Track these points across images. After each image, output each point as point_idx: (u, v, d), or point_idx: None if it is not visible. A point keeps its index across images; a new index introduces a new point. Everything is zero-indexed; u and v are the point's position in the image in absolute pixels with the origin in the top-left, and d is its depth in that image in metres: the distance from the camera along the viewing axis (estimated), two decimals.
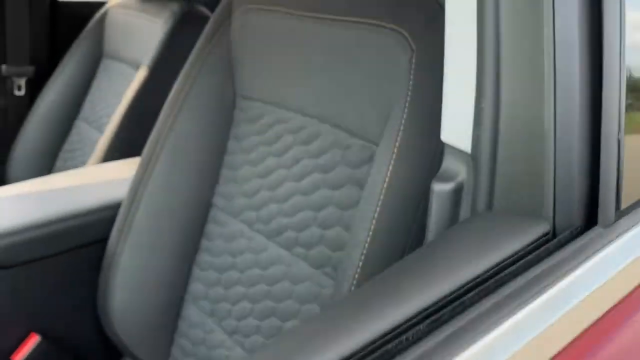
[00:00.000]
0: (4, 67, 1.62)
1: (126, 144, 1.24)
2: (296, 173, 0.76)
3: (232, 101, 0.89)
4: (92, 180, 1.03)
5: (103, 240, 0.94)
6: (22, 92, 1.66)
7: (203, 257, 0.89)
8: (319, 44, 0.75)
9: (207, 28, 0.88)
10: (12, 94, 1.65)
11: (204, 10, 1.33)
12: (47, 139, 1.55)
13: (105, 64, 1.55)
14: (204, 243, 0.90)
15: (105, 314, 0.91)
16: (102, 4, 1.62)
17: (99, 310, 0.92)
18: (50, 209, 0.93)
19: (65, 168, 1.50)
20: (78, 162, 1.46)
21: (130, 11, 1.47)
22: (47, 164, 1.56)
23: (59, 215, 0.92)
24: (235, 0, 0.87)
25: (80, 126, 1.53)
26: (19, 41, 1.62)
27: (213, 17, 0.88)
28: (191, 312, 0.90)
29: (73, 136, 1.54)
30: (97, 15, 1.58)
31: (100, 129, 1.42)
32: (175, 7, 1.32)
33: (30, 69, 1.66)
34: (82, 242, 0.95)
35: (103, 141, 1.27)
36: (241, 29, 0.86)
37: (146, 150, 0.91)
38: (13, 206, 0.93)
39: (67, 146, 1.54)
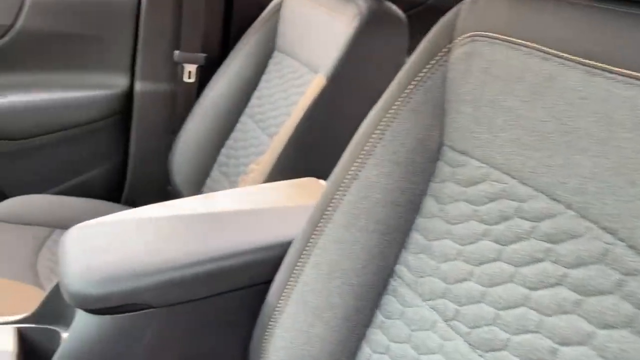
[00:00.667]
0: (176, 53, 1.58)
1: (295, 160, 1.12)
2: (528, 276, 0.55)
3: (437, 151, 0.69)
4: (262, 210, 0.90)
5: (263, 283, 0.83)
6: (191, 80, 1.61)
7: (376, 336, 0.73)
8: (592, 104, 0.52)
9: (418, 53, 0.69)
10: (182, 80, 1.61)
11: (396, 11, 1.13)
12: (212, 128, 1.48)
13: (278, 58, 1.43)
14: (379, 319, 0.73)
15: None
16: None
17: (251, 356, 0.81)
18: (213, 245, 0.82)
19: (227, 164, 1.43)
20: (240, 162, 1.39)
21: (308, 3, 1.32)
22: (210, 154, 1.50)
23: (222, 253, 0.81)
24: (461, 20, 0.66)
25: (246, 122, 1.44)
26: (194, 28, 1.56)
27: (427, 40, 0.69)
28: None
29: (237, 132, 1.46)
30: (272, 5, 1.46)
31: (266, 131, 1.31)
32: (362, 3, 1.14)
33: (201, 57, 1.60)
34: (241, 285, 0.83)
35: (270, 154, 1.15)
36: (463, 61, 0.65)
37: (326, 191, 0.76)
38: (173, 238, 0.84)
39: (230, 142, 1.47)
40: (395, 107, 0.70)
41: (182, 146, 1.53)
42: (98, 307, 0.78)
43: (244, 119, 1.46)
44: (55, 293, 0.90)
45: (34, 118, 1.55)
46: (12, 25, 1.48)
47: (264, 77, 1.44)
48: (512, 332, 0.56)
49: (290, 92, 1.27)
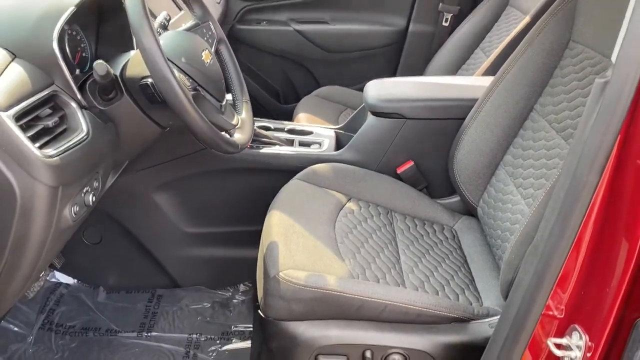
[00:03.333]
0: (441, 5, 2.34)
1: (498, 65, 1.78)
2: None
3: (565, 44, 1.31)
4: (466, 84, 1.62)
5: (461, 119, 1.53)
6: (446, 24, 2.36)
7: (517, 140, 1.39)
8: None
9: None
10: (441, 24, 2.36)
11: None
12: (452, 58, 2.20)
13: (508, 11, 2.08)
14: (520, 131, 1.39)
15: (452, 159, 1.51)
16: None
17: (449, 158, 1.53)
18: (439, 94, 1.58)
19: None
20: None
21: None
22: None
23: (448, 97, 1.57)
24: None
25: (477, 53, 2.13)
26: None
27: None
28: (500, 171, 1.42)
29: (470, 59, 2.16)
30: None
31: (487, 55, 1.99)
32: None
33: (456, 8, 2.33)
34: (450, 117, 1.56)
35: (484, 65, 1.84)
36: None
37: (502, 69, 1.43)
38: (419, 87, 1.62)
39: (465, 66, 2.17)
40: (546, 18, 1.34)
41: (430, 69, 2.26)
42: (378, 111, 1.59)
43: (477, 50, 2.14)
44: None
45: (344, 40, 2.48)
46: None
47: (496, 24, 2.10)
48: (573, 117, 1.18)
49: (509, 30, 1.91)
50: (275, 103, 2.63)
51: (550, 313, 0.88)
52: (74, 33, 1.23)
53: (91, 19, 1.30)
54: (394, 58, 2.50)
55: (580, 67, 1.24)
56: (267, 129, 1.77)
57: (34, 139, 0.90)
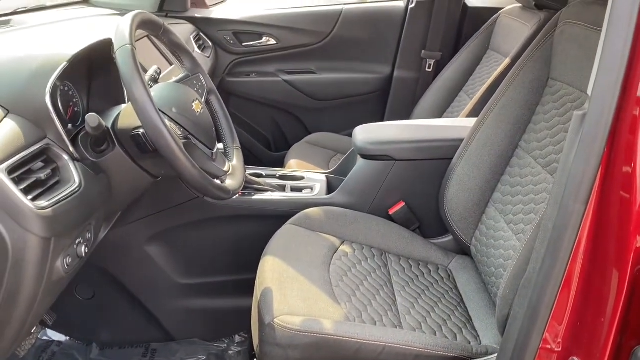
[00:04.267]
0: (423, 52, 2.42)
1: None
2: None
3: (545, 82, 1.36)
4: (452, 125, 1.66)
5: (448, 159, 1.56)
6: (430, 70, 2.42)
7: (505, 177, 1.42)
8: None
9: (542, 33, 1.37)
10: (424, 70, 2.43)
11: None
12: (437, 101, 2.26)
13: (489, 55, 2.15)
14: (507, 169, 1.42)
15: (442, 199, 1.52)
16: (500, 9, 2.22)
17: (439, 197, 1.55)
18: (426, 135, 1.61)
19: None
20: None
21: (513, 17, 2.02)
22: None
23: (430, 138, 1.60)
24: (562, 16, 1.33)
25: (461, 95, 2.19)
26: (436, 33, 2.38)
27: (547, 26, 1.36)
28: (490, 209, 1.44)
29: (455, 102, 2.21)
30: (493, 17, 2.19)
31: (470, 97, 2.04)
32: (542, 15, 1.81)
33: (438, 54, 2.41)
34: (440, 157, 1.58)
35: (468, 106, 1.88)
36: (561, 35, 1.31)
37: (485, 108, 1.47)
38: (407, 131, 1.65)
39: (449, 109, 2.23)
40: (525, 60, 1.39)
41: (417, 112, 2.31)
42: (367, 154, 1.61)
43: (460, 93, 2.20)
44: None
45: (332, 88, 2.54)
46: (330, 33, 2.49)
47: (478, 68, 2.17)
48: (557, 152, 1.21)
49: (490, 73, 1.97)
50: (266, 151, 2.66)
51: (548, 346, 0.88)
52: (66, 88, 1.25)
53: (83, 74, 1.33)
54: (381, 103, 2.55)
55: (561, 103, 1.28)
56: (259, 176, 1.78)
57: (26, 191, 0.91)
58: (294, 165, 2.06)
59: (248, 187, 1.68)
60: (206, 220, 1.64)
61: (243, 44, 2.49)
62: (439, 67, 2.37)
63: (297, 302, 1.19)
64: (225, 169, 1.25)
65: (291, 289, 1.23)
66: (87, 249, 1.04)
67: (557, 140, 1.25)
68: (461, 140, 1.52)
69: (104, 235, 1.38)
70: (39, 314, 1.03)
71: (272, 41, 2.48)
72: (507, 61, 1.82)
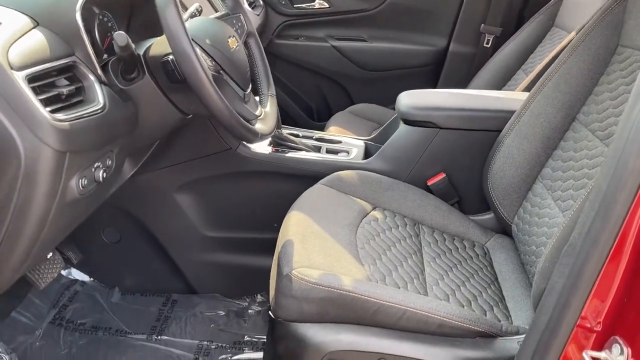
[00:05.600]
0: (482, 26, 2.29)
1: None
2: None
3: (613, 49, 1.23)
4: (504, 97, 1.55)
5: (497, 131, 1.45)
6: (488, 45, 2.29)
7: (557, 152, 1.30)
8: None
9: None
10: (481, 45, 2.30)
11: None
12: (493, 78, 2.13)
13: (552, 32, 2.00)
14: (561, 143, 1.30)
15: (487, 173, 1.42)
16: None
17: (484, 171, 1.44)
18: (475, 104, 1.50)
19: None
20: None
21: None
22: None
23: (480, 107, 1.49)
24: None
25: (519, 74, 2.05)
26: (498, 7, 2.25)
27: None
28: (537, 185, 1.33)
29: (512, 80, 2.08)
30: None
31: (529, 75, 1.91)
32: None
33: (498, 30, 2.27)
34: (486, 128, 1.48)
35: (525, 82, 1.76)
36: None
37: (543, 77, 1.35)
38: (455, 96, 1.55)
39: (505, 87, 2.10)
40: (589, 29, 1.26)
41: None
42: (410, 119, 1.52)
43: (519, 72, 2.06)
44: None
45: (382, 58, 2.44)
46: None
47: (539, 46, 2.03)
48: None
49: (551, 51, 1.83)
50: (307, 119, 2.60)
51: (587, 324, 0.78)
52: (105, 19, 1.22)
53: (124, 9, 1.30)
54: (433, 78, 2.44)
55: (629, 71, 1.15)
56: (296, 136, 1.72)
57: (45, 103, 0.87)
58: (333, 131, 1.98)
59: (282, 144, 1.62)
60: (237, 173, 1.60)
61: (294, 6, 2.43)
62: (498, 43, 2.23)
63: (318, 256, 1.12)
64: (257, 112, 1.20)
65: (313, 244, 1.16)
66: (105, 174, 1.01)
67: (620, 111, 1.13)
68: (512, 112, 1.41)
69: (130, 175, 1.35)
70: (53, 237, 1.01)
71: (325, 4, 2.40)
72: (572, 34, 1.68)
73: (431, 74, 2.44)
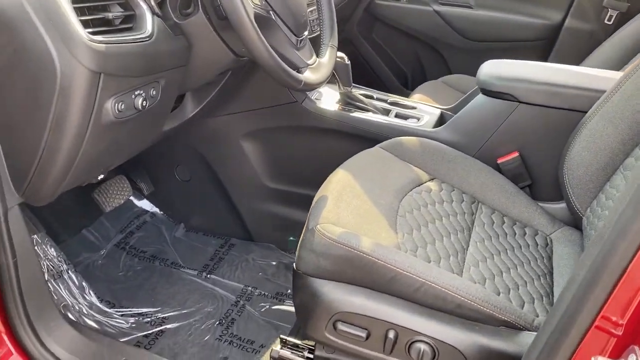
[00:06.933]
0: (606, 0, 2.03)
1: None
2: None
3: None
4: (597, 75, 1.36)
5: (583, 111, 1.28)
6: (609, 23, 2.03)
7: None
8: None
9: None
10: (602, 21, 2.05)
11: None
12: (610, 59, 1.87)
13: None
14: None
15: (564, 156, 1.26)
16: None
17: (562, 154, 1.29)
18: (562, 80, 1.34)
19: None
20: None
21: None
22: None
23: (567, 84, 1.33)
24: None
25: None
26: None
27: None
28: (617, 176, 1.16)
29: (630, 65, 1.83)
30: None
31: None
32: None
33: (625, 5, 2.00)
34: (571, 107, 1.31)
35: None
36: None
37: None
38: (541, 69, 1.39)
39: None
40: None
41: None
42: (489, 89, 1.40)
43: None
44: None
45: (488, 28, 2.27)
46: None
47: None
48: None
49: None
50: (400, 87, 2.50)
51: (605, 326, 0.67)
52: None
53: None
54: (542, 54, 2.23)
55: None
56: (369, 97, 1.66)
57: (91, 25, 0.91)
58: (415, 99, 1.89)
59: (351, 103, 1.57)
60: (301, 127, 1.58)
61: None
62: (622, 21, 1.97)
63: (348, 215, 1.08)
64: (310, 61, 1.16)
65: (348, 203, 1.12)
66: (146, 103, 1.04)
67: None
68: (602, 92, 1.24)
69: (192, 113, 1.39)
70: (96, 158, 1.06)
71: None
72: None
73: (540, 50, 2.23)
